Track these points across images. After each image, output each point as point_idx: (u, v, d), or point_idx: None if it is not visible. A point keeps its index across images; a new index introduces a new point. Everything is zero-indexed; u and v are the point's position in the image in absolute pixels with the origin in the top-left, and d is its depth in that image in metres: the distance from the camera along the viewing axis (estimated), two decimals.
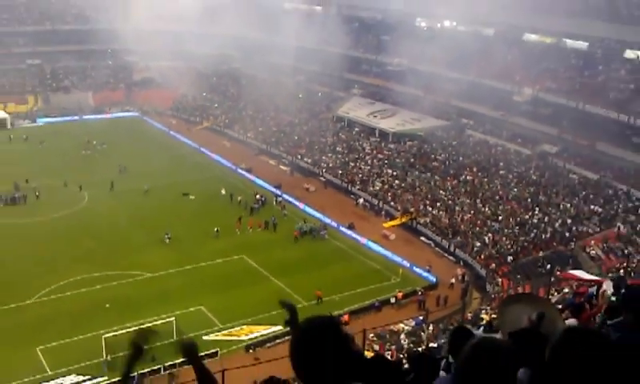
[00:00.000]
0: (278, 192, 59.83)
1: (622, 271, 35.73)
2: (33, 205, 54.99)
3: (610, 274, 32.63)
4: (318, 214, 54.92)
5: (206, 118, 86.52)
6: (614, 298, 9.02)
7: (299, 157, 69.37)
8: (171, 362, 32.16)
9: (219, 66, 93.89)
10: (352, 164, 65.11)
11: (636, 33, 55.87)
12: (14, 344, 34.44)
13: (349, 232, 51.73)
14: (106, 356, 33.13)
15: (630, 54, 58.70)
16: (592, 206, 49.80)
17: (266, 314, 36.41)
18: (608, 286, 10.87)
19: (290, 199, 58.41)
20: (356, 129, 72.57)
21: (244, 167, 66.94)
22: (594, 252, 44.05)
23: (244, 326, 37.73)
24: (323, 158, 67.94)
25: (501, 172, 57.68)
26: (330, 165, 66.07)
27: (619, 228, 46.10)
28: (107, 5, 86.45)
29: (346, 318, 38.12)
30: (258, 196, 57.64)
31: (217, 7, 79.73)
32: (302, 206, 56.99)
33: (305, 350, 2.90)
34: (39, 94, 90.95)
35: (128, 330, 34.04)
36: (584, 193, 51.70)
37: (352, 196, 59.92)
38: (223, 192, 58.18)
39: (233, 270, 44.27)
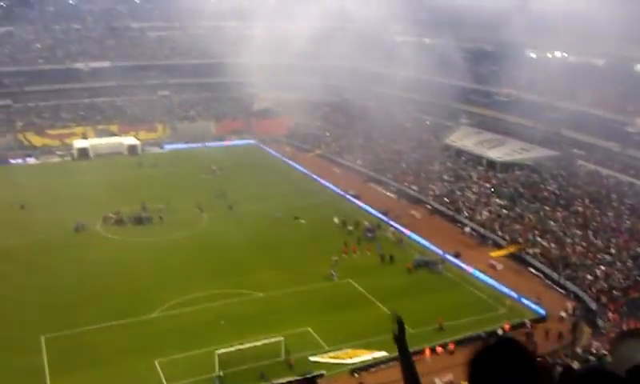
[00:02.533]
0: (385, 218, 61.12)
1: None
2: (157, 225, 59.22)
3: None
4: (423, 241, 55.57)
5: (317, 145, 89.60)
6: None
7: (406, 184, 70.44)
8: (280, 381, 33.98)
9: (331, 96, 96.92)
10: (459, 192, 65.31)
11: None
12: (136, 355, 37.05)
13: (455, 260, 51.80)
14: (219, 371, 34.90)
15: None
16: None
17: (370, 339, 37.15)
18: None
19: (397, 226, 59.34)
20: (463, 158, 72.73)
21: (352, 193, 68.81)
22: None
23: (349, 349, 38.20)
24: (430, 185, 68.51)
25: (613, 204, 55.94)
26: (437, 192, 66.57)
27: None
28: (230, 41, 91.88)
29: (451, 347, 38.65)
30: (366, 223, 58.84)
31: (330, 40, 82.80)
32: (408, 232, 57.86)
33: (488, 369, 2.71)
34: (167, 122, 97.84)
35: (239, 347, 36.51)
36: None
37: (458, 224, 60.07)
38: (336, 220, 59.49)
39: (339, 294, 45.51)
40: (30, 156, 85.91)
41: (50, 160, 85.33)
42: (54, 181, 73.90)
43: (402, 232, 58.11)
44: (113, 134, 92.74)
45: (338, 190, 70.63)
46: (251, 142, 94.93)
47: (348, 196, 68.61)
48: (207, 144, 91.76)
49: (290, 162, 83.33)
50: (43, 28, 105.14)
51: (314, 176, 76.43)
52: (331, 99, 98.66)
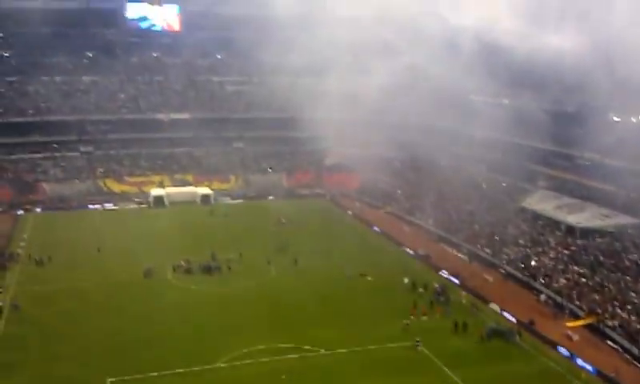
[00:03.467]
0: (456, 281, 59.47)
1: None
2: (225, 274, 59.82)
3: None
4: (497, 308, 53.46)
5: (388, 202, 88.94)
6: None
7: (479, 246, 68.53)
8: None
9: (404, 152, 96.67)
10: (535, 258, 62.89)
11: None
12: None
13: (529, 329, 49.66)
14: None
15: None
16: None
17: None
18: None
19: (469, 290, 57.42)
20: (540, 222, 70.29)
21: (422, 253, 67.54)
22: None
23: None
24: (504, 249, 66.40)
25: None
26: (512, 257, 64.36)
27: None
28: (304, 96, 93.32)
29: None
30: (436, 286, 56.97)
31: (404, 97, 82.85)
32: (480, 297, 55.82)
33: None
34: (240, 174, 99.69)
35: None
36: None
37: (534, 291, 57.63)
38: (406, 281, 57.93)
39: (406, 357, 43.92)
40: (108, 202, 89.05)
41: (127, 206, 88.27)
42: (130, 226, 76.19)
43: (475, 297, 56.12)
44: (188, 184, 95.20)
45: (408, 249, 69.51)
46: (322, 196, 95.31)
47: (418, 255, 67.37)
48: (278, 197, 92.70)
49: (360, 218, 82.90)
50: (127, 79, 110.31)
51: (384, 233, 75.64)
52: (404, 156, 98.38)
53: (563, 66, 62.41)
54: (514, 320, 50.84)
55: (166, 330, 46.90)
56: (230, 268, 60.72)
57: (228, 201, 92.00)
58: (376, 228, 78.05)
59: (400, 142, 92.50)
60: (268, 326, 47.95)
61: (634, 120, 70.85)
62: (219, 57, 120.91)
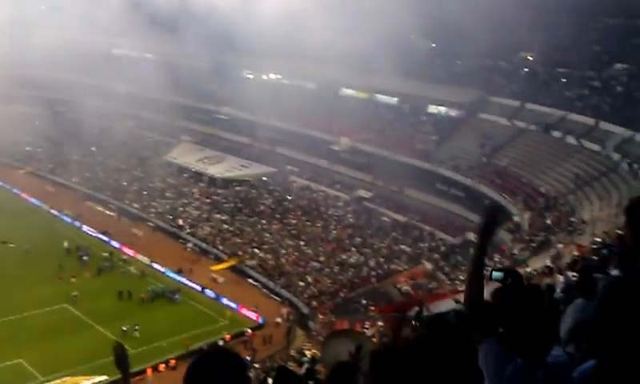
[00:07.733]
0: (106, 239, 59.14)
1: None
2: None
3: None
4: (145, 259, 54.91)
5: (28, 162, 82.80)
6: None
7: (127, 202, 68.77)
8: None
9: (43, 109, 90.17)
10: (181, 209, 65.74)
11: (438, 90, 63.27)
12: None
13: (177, 276, 52.16)
14: None
15: (433, 109, 65.96)
16: (401, 246, 54.60)
17: (90, 364, 35.87)
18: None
19: (116, 244, 57.95)
20: (185, 175, 73.16)
21: (68, 213, 65.10)
22: (404, 288, 48.40)
23: (66, 378, 36.22)
24: (152, 203, 67.82)
25: (322, 215, 61.35)
26: (159, 210, 66.19)
27: (425, 265, 51.05)
28: None
29: (172, 362, 38.78)
30: (82, 245, 56.15)
31: (41, 50, 77.32)
32: (132, 253, 56.49)
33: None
34: None
35: None
36: (394, 234, 56.60)
37: (181, 240, 60.48)
38: (66, 244, 55.38)
39: (55, 320, 42.95)
40: None
41: None
42: None
43: (126, 252, 56.62)
44: None
45: (53, 210, 66.25)
46: None
47: (63, 216, 64.81)
48: None
49: None
50: None
51: (24, 196, 70.56)
52: (44, 113, 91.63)
53: (207, 21, 64.53)
54: (162, 269, 53.00)
55: None
56: None
57: None
58: (16, 190, 72.25)
59: (39, 98, 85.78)
60: None
61: (264, 77, 77.83)
62: None
